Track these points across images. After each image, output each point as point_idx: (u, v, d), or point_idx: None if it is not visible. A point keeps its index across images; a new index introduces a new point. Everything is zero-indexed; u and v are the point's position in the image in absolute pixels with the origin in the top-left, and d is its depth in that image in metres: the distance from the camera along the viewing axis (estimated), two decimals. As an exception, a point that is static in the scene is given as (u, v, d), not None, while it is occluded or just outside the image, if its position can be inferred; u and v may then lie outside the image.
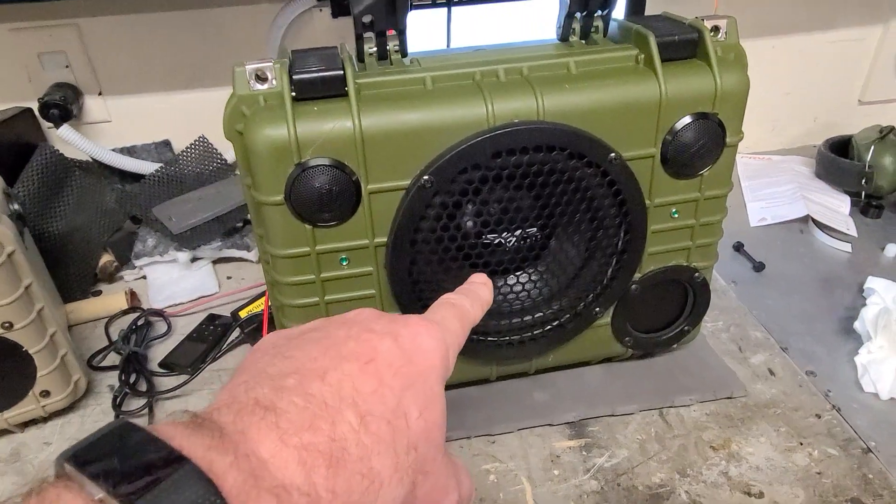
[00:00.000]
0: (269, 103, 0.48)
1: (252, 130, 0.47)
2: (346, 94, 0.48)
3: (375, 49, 0.54)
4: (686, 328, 0.64)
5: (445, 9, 0.75)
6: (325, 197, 0.48)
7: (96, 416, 0.66)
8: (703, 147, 0.53)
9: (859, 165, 0.92)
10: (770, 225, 0.92)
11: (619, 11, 0.89)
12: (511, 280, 0.56)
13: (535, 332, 0.59)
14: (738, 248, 0.86)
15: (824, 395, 0.65)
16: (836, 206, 0.93)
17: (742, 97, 0.53)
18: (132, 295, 0.79)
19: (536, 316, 0.58)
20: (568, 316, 0.59)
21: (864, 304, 0.72)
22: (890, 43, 1.03)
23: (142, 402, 0.65)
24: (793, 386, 0.66)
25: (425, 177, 0.49)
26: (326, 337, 0.29)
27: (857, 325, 0.71)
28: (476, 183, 0.50)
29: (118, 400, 0.64)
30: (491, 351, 0.59)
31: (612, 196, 0.53)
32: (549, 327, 0.59)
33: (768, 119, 1.09)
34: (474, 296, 0.38)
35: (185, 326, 0.77)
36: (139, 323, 0.74)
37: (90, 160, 0.86)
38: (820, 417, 0.62)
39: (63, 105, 0.80)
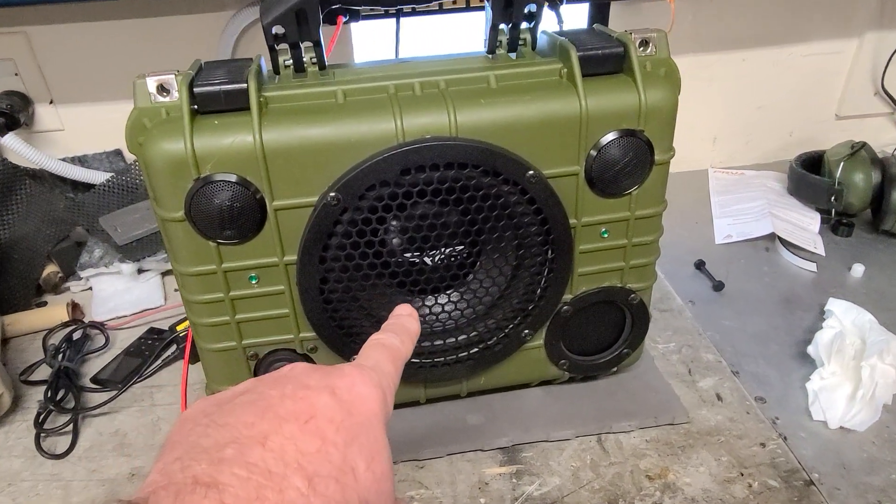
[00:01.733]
0: (171, 116, 0.47)
1: (150, 144, 0.45)
2: (249, 108, 0.46)
3: (291, 61, 0.52)
4: (625, 351, 0.62)
5: (394, 19, 0.73)
6: (227, 213, 0.47)
7: (20, 433, 0.64)
8: (629, 164, 0.51)
9: (829, 182, 0.89)
10: (735, 242, 0.89)
11: (580, 19, 0.88)
12: (434, 300, 0.54)
13: (460, 355, 0.56)
14: (699, 266, 0.84)
15: (772, 423, 0.62)
16: (805, 224, 0.90)
17: (670, 113, 0.51)
18: (74, 307, 0.78)
19: (461, 338, 0.56)
20: (496, 338, 0.56)
21: (821, 328, 0.69)
22: (865, 57, 1.01)
23: (66, 418, 0.64)
24: (740, 412, 0.63)
25: (332, 193, 0.47)
26: (260, 398, 0.28)
27: (810, 349, 0.68)
28: (386, 200, 0.48)
29: (41, 417, 0.63)
30: (415, 373, 0.57)
31: (533, 214, 0.51)
32: (475, 349, 0.57)
33: (742, 133, 1.06)
34: (402, 331, 0.37)
35: (125, 340, 0.75)
36: (75, 336, 0.73)
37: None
38: (764, 446, 0.60)
39: (9, 113, 0.79)
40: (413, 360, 0.56)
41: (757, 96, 1.03)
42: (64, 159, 0.85)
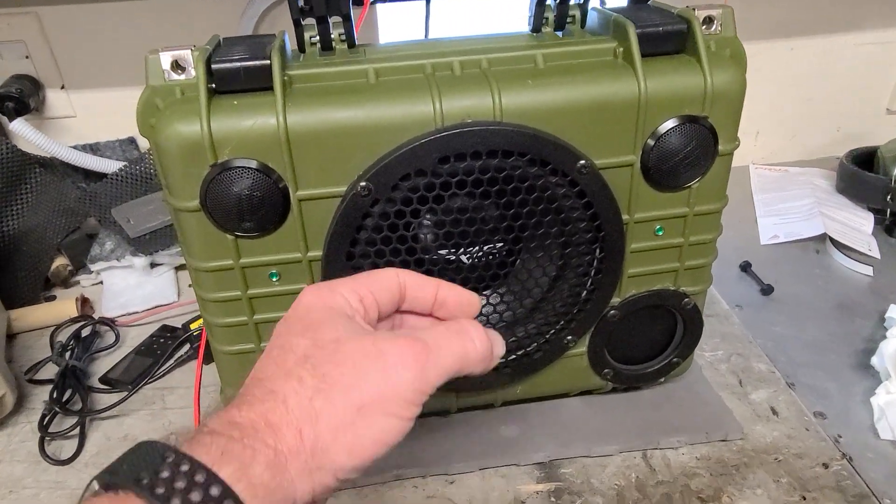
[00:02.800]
0: (187, 95, 0.43)
1: (162, 125, 0.41)
2: (272, 88, 0.41)
3: (318, 38, 0.47)
4: (675, 360, 0.57)
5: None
6: (246, 203, 0.42)
7: (24, 436, 0.60)
8: (690, 155, 0.46)
9: (885, 180, 0.84)
10: (782, 243, 0.83)
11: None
12: (469, 302, 0.49)
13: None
14: (745, 267, 0.78)
15: (834, 441, 0.57)
16: (857, 225, 0.84)
17: (737, 98, 0.45)
18: (83, 302, 0.74)
19: (498, 343, 0.51)
20: (535, 344, 0.52)
21: (885, 337, 0.63)
22: (922, 46, 0.94)
23: (73, 420, 0.60)
24: (798, 428, 0.58)
25: (362, 183, 0.42)
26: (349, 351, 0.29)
27: (874, 360, 0.62)
28: (422, 191, 0.43)
29: (45, 419, 0.59)
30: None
31: (582, 209, 0.46)
32: (513, 357, 0.52)
33: (786, 127, 1.00)
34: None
35: (136, 337, 0.72)
36: (84, 333, 0.69)
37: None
38: (827, 467, 0.54)
39: (19, 98, 0.76)
40: (445, 366, 0.51)
41: (804, 88, 0.97)
42: (75, 147, 0.82)
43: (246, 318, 0.47)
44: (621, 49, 0.46)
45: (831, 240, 0.81)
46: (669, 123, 0.45)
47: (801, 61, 0.94)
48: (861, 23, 0.93)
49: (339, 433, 0.27)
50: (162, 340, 0.69)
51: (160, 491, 0.23)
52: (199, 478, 0.24)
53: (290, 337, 0.30)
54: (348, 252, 0.45)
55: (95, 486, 0.25)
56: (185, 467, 0.24)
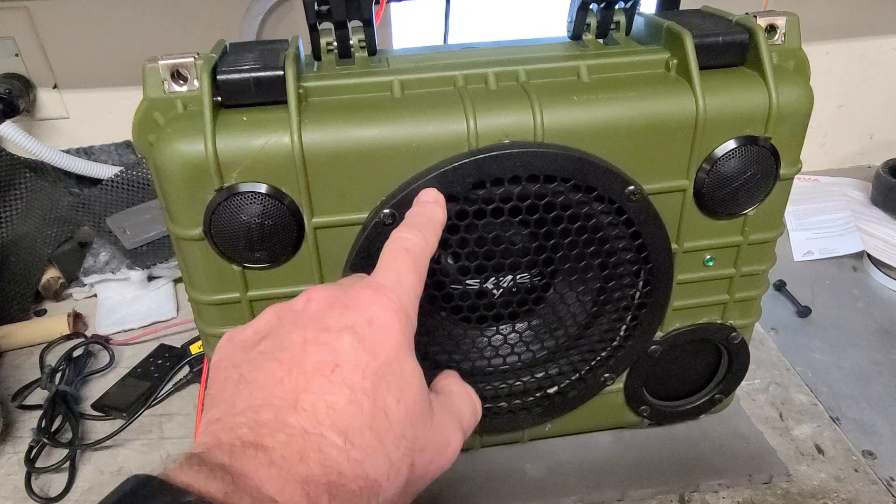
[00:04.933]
0: (190, 110, 0.38)
1: (161, 144, 0.36)
2: (285, 102, 0.37)
3: (335, 44, 0.43)
4: (717, 396, 0.52)
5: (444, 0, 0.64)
6: (256, 232, 0.37)
7: (10, 468, 0.56)
8: (749, 180, 0.41)
9: (926, 194, 0.79)
10: (818, 260, 0.79)
11: (648, 4, 0.77)
12: (497, 335, 0.45)
13: (527, 400, 0.47)
14: (780, 287, 0.74)
15: (886, 486, 0.52)
16: (896, 240, 0.80)
17: (804, 117, 0.41)
18: (76, 318, 0.70)
19: (528, 381, 0.46)
20: (568, 382, 0.47)
21: (935, 368, 0.59)
22: (964, 51, 0.90)
23: (63, 453, 0.55)
24: (846, 469, 0.54)
25: (385, 210, 0.38)
26: (282, 347, 0.28)
27: (926, 394, 0.58)
28: (453, 219, 0.38)
29: (33, 452, 0.54)
30: (472, 421, 0.47)
31: (628, 238, 0.41)
32: (543, 394, 0.47)
33: (817, 134, 0.96)
34: (426, 223, 0.35)
35: (132, 357, 0.67)
36: (76, 354, 0.64)
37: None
38: (881, 515, 0.50)
39: (8, 99, 0.71)
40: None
41: (838, 93, 0.92)
42: (68, 151, 0.76)
43: (253, 354, 0.43)
44: (675, 61, 0.41)
45: (870, 257, 0.76)
46: (728, 145, 0.40)
47: (837, 65, 0.89)
48: (899, 26, 0.88)
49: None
50: (160, 362, 0.65)
51: None
52: None
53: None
54: (369, 285, 0.40)
55: None
56: None
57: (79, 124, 0.80)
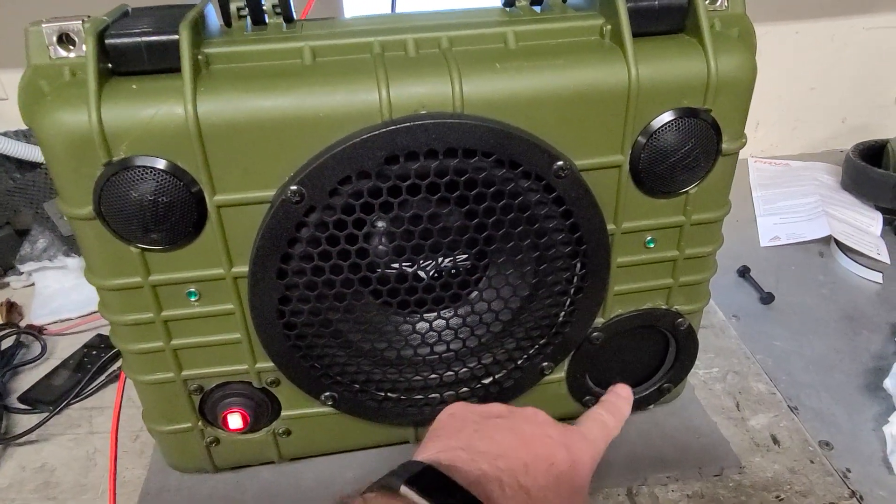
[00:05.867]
0: (79, 77, 0.35)
1: (43, 114, 0.33)
2: (179, 69, 0.34)
3: (247, 9, 0.40)
4: (666, 386, 0.50)
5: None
6: (150, 211, 0.35)
7: (-71, 465, 0.53)
8: (688, 154, 0.38)
9: (894, 177, 0.77)
10: (784, 245, 0.77)
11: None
12: (426, 323, 0.42)
13: (460, 391, 0.45)
14: (744, 273, 0.71)
15: (842, 477, 0.50)
16: (864, 225, 0.78)
17: (746, 88, 0.38)
18: (10, 307, 0.67)
19: (461, 371, 0.44)
20: (505, 371, 0.45)
21: (897, 355, 0.57)
22: (938, 31, 0.87)
23: (-16, 448, 0.52)
24: (802, 461, 0.52)
25: (293, 187, 0.35)
26: (517, 429, 0.35)
27: (887, 382, 0.56)
28: (366, 196, 0.36)
29: (-49, 447, 0.52)
30: (403, 411, 0.45)
31: (559, 218, 0.39)
32: (479, 385, 0.45)
33: (788, 118, 0.93)
34: (616, 412, 0.41)
35: (67, 348, 0.64)
36: (5, 345, 0.61)
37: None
38: (835, 508, 0.48)
39: (-63, 78, 0.67)
40: (401, 396, 0.44)
41: (809, 76, 0.90)
42: (5, 133, 0.73)
43: (162, 343, 0.40)
44: (609, 27, 0.38)
45: (837, 242, 0.74)
46: (665, 117, 0.37)
47: (806, 46, 0.87)
48: (873, 5, 0.85)
49: None
50: (94, 353, 0.62)
51: None
52: None
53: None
54: (279, 269, 0.37)
55: None
56: None
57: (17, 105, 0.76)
